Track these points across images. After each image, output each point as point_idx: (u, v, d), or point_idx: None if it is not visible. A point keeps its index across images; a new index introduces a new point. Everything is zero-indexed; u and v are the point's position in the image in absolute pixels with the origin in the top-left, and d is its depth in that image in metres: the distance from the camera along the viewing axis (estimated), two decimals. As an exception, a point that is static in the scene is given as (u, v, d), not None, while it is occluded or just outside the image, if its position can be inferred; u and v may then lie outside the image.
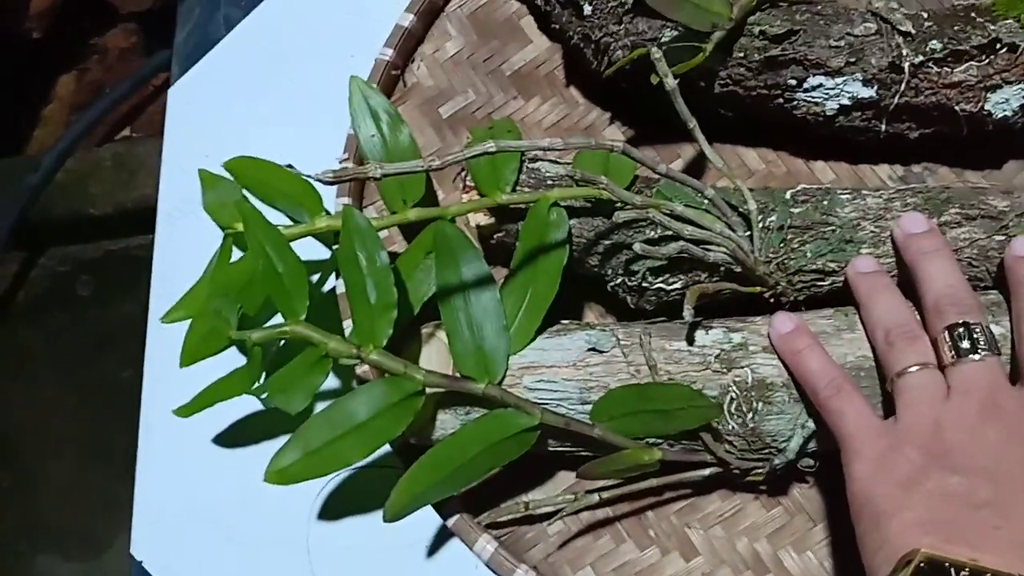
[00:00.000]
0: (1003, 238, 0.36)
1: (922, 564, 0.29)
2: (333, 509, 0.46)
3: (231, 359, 0.45)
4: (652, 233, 0.38)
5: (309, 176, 0.32)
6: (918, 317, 0.35)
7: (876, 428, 0.33)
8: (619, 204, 0.38)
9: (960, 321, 0.33)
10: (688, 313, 0.34)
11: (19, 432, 1.17)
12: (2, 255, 1.21)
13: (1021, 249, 0.35)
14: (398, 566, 0.44)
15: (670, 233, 0.37)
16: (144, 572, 0.48)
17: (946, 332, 0.33)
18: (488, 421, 0.38)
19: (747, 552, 0.40)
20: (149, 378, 0.52)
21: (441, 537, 0.44)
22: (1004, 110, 0.39)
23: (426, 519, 0.44)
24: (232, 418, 0.49)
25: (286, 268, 0.42)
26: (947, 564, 0.29)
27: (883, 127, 0.41)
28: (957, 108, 0.39)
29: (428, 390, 0.38)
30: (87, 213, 1.22)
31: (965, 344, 0.33)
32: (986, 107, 0.39)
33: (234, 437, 0.49)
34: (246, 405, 0.49)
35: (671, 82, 0.35)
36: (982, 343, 0.33)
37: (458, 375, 0.39)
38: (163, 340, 0.53)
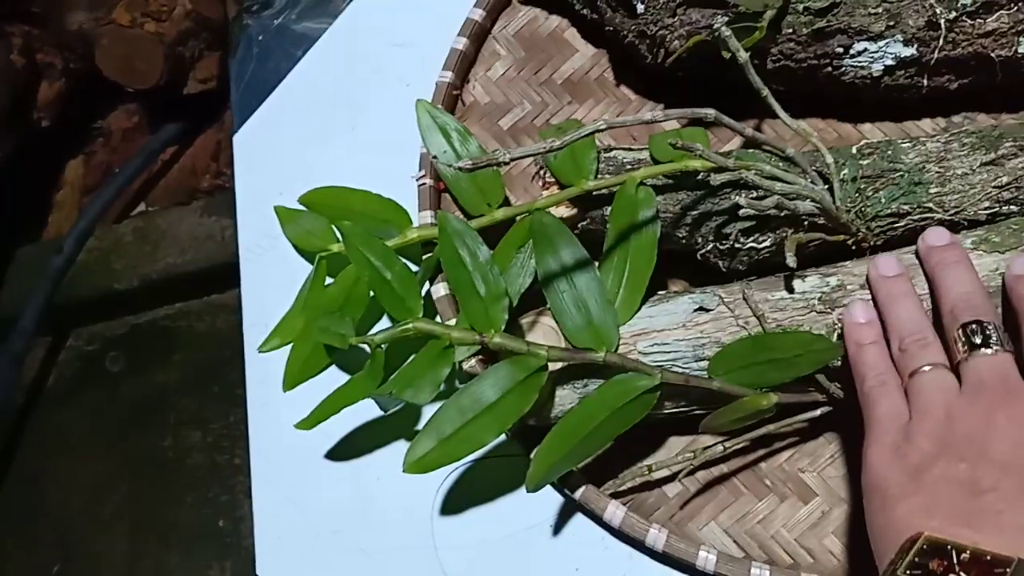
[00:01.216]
0: (1057, 162, 0.40)
1: (925, 547, 0.30)
2: (454, 504, 0.48)
3: (325, 382, 0.48)
4: (738, 197, 0.41)
5: (448, 164, 0.34)
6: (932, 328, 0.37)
7: (900, 422, 0.34)
8: (705, 174, 0.41)
9: (973, 319, 0.34)
10: (791, 260, 0.37)
11: (68, 513, 1.17)
12: (32, 341, 1.23)
13: (1020, 269, 0.36)
14: (525, 549, 0.46)
15: (758, 195, 0.40)
16: (273, 593, 0.50)
17: (959, 330, 0.34)
18: (610, 387, 0.41)
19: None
20: (253, 407, 0.54)
21: (563, 515, 0.46)
22: (1037, 50, 0.43)
23: (547, 501, 0.46)
24: (339, 435, 0.51)
25: (394, 274, 0.45)
26: (948, 547, 0.29)
27: (925, 82, 0.45)
28: (993, 55, 0.43)
29: (550, 366, 0.41)
30: (112, 289, 1.24)
31: (977, 339, 0.34)
32: (1019, 51, 0.43)
33: (344, 452, 0.51)
34: (352, 421, 0.51)
35: (743, 55, 0.39)
36: (994, 339, 0.34)
37: (576, 348, 0.41)
38: (259, 371, 0.55)
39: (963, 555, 0.29)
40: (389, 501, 0.49)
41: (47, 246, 1.27)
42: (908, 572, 0.30)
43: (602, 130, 0.36)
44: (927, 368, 0.35)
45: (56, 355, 1.29)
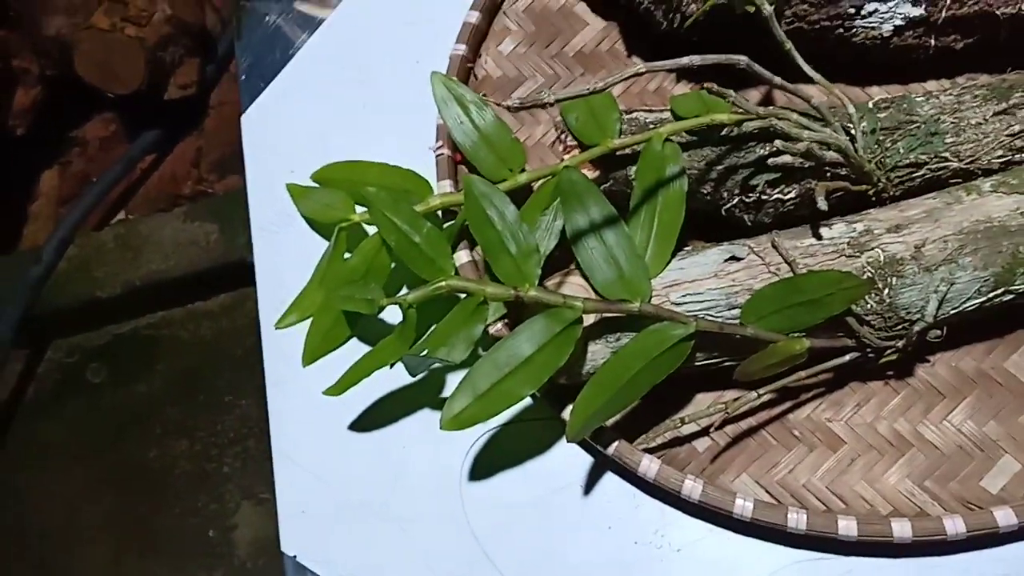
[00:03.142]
0: (1067, 110, 0.42)
1: None
2: (482, 469, 0.48)
3: (341, 359, 0.47)
4: (763, 151, 0.42)
5: (500, 103, 0.34)
6: None
7: None
8: (730, 130, 0.42)
9: None
10: (823, 203, 0.38)
11: (50, 527, 1.14)
12: (10, 352, 1.20)
13: None
14: (555, 510, 0.46)
15: (782, 146, 0.41)
16: (298, 567, 0.49)
17: None
18: (645, 337, 0.41)
19: (889, 433, 0.43)
20: (271, 384, 0.53)
21: (593, 475, 0.46)
22: (1040, 7, 0.44)
23: (577, 461, 0.47)
24: (360, 407, 0.51)
25: (423, 236, 0.45)
26: None
27: (933, 42, 0.46)
28: (998, 12, 0.45)
29: (584, 320, 0.41)
30: (93, 298, 1.22)
31: None
32: (1023, 8, 0.44)
33: (368, 423, 0.51)
34: (373, 393, 0.51)
35: (768, 8, 0.40)
36: None
37: (611, 300, 0.42)
38: (274, 348, 0.55)
39: None
40: (416, 469, 0.49)
41: (24, 256, 1.25)
42: None
43: (641, 73, 0.37)
44: None
45: (35, 367, 1.26)
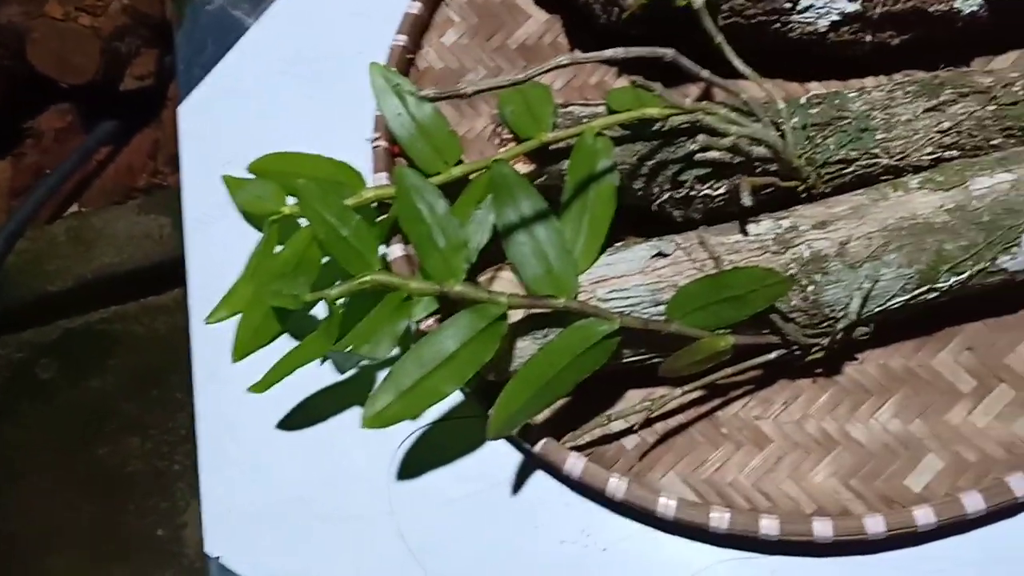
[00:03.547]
0: (994, 107, 0.42)
1: None
2: (412, 468, 0.47)
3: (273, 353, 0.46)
4: (693, 146, 0.42)
5: (415, 93, 0.34)
6: None
7: None
8: (661, 125, 0.42)
9: None
10: (747, 199, 0.38)
11: (13, 532, 1.11)
12: (-45, 349, 1.17)
13: None
14: (483, 509, 0.46)
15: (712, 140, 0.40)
16: (223, 569, 0.48)
17: None
18: (571, 333, 0.40)
19: (816, 431, 0.43)
20: (200, 380, 0.52)
21: (522, 473, 0.46)
22: (971, 5, 0.44)
23: (506, 459, 0.46)
24: (289, 405, 0.50)
25: (351, 230, 0.44)
26: None
27: (869, 38, 0.46)
28: (930, 9, 0.45)
29: (511, 316, 0.40)
30: (44, 292, 1.20)
31: None
32: (954, 6, 0.45)
33: (296, 421, 0.50)
34: (303, 390, 0.50)
35: (698, 2, 0.40)
36: None
37: (536, 295, 0.41)
38: (205, 343, 0.54)
39: None
40: (345, 467, 0.48)
41: (-27, 249, 1.22)
42: None
43: (564, 65, 0.36)
44: None
45: (-17, 364, 1.23)
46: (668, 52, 0.37)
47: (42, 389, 1.21)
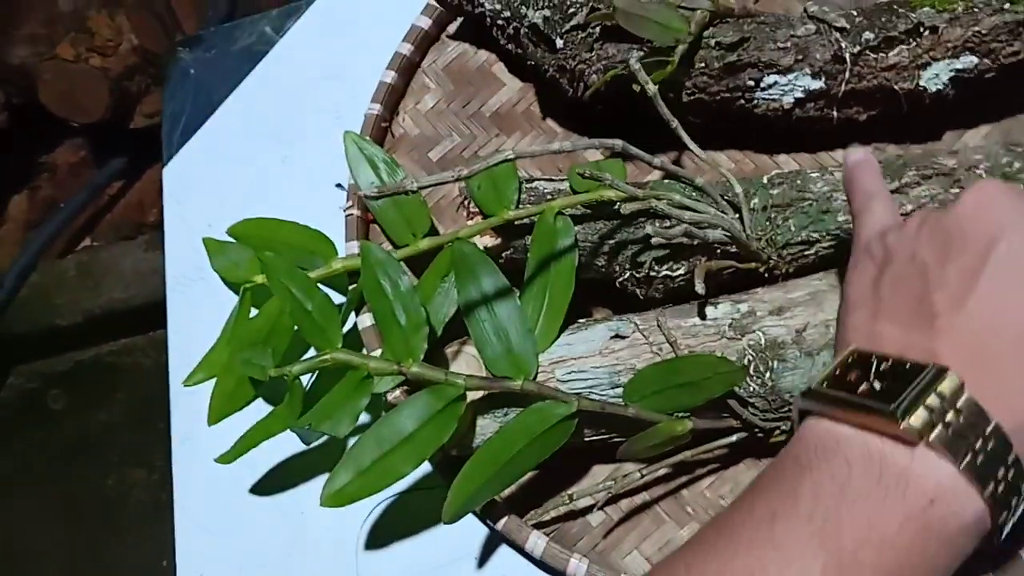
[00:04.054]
0: (957, 191, 0.41)
1: (850, 359, 0.29)
2: (380, 538, 0.47)
3: (253, 414, 0.47)
4: (652, 228, 0.42)
5: (362, 193, 0.34)
6: None
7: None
8: (619, 204, 0.42)
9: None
10: (700, 287, 0.38)
11: (8, 552, 1.13)
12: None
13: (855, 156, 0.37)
14: (451, 582, 0.46)
15: (668, 224, 0.41)
16: (195, 631, 0.48)
17: None
18: (528, 415, 0.41)
19: (780, 511, 0.43)
20: (176, 440, 0.53)
21: (489, 547, 0.46)
22: (936, 84, 0.44)
23: (473, 533, 0.46)
24: (264, 468, 0.51)
25: (315, 305, 0.45)
26: (872, 357, 0.29)
27: (835, 114, 0.46)
28: (896, 87, 0.45)
29: (469, 396, 0.41)
30: (54, 325, 1.22)
31: None
32: (920, 83, 0.44)
33: (270, 486, 0.50)
34: (278, 453, 0.51)
35: (652, 87, 0.40)
36: None
37: (494, 376, 0.41)
38: (185, 404, 0.54)
39: (883, 365, 0.28)
40: (314, 535, 0.49)
41: (-14, 282, 1.24)
42: (825, 384, 0.29)
43: (511, 159, 0.36)
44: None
45: (-5, 393, 1.25)
46: (617, 143, 0.37)
47: (51, 418, 1.24)
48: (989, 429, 0.26)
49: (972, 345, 0.28)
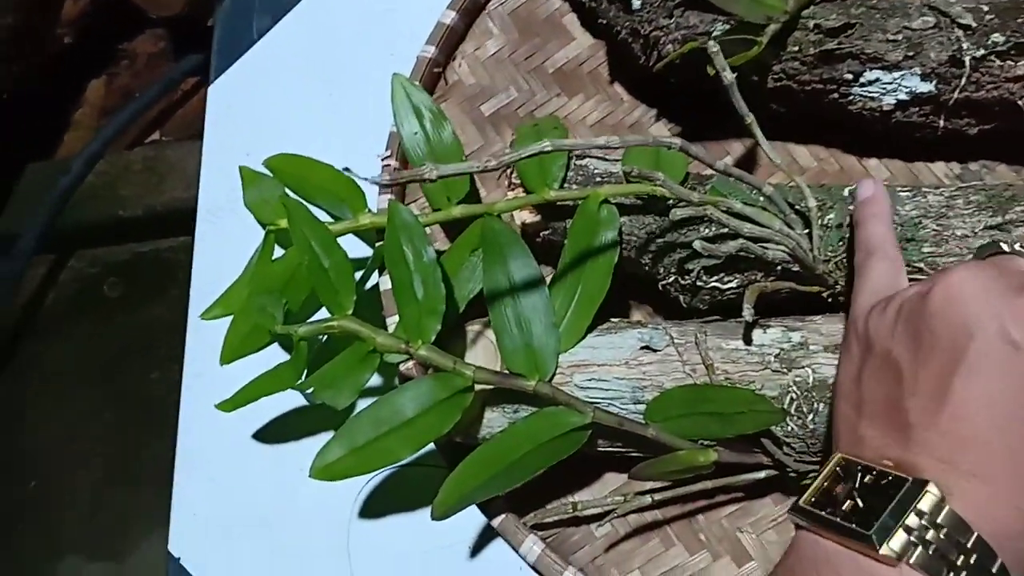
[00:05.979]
0: (1071, 237, 0.35)
1: (838, 469, 0.29)
2: (374, 508, 0.45)
3: (271, 356, 0.45)
4: (707, 231, 0.37)
5: (364, 178, 0.31)
6: None
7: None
8: (673, 201, 0.37)
9: None
10: (748, 313, 0.33)
11: (46, 443, 1.17)
12: (32, 258, 1.22)
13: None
14: (441, 568, 0.44)
15: (726, 231, 0.36)
16: (181, 569, 0.48)
17: None
18: (538, 419, 0.37)
19: (801, 557, 0.39)
20: (189, 375, 0.52)
21: (485, 537, 0.43)
22: (1070, 103, 0.38)
23: (470, 519, 0.43)
24: (271, 415, 0.49)
25: (332, 263, 0.42)
26: (858, 467, 0.28)
27: (941, 123, 0.40)
28: (1021, 103, 0.38)
29: (476, 387, 0.38)
30: (117, 216, 1.23)
31: None
32: (1051, 102, 0.38)
33: (273, 435, 0.49)
34: (286, 402, 0.49)
35: (729, 76, 0.35)
36: None
37: (507, 372, 0.38)
38: (202, 338, 0.53)
39: (867, 477, 0.28)
40: (308, 494, 0.47)
41: (56, 165, 1.26)
42: (813, 500, 0.29)
43: (547, 152, 0.32)
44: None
45: (57, 275, 1.28)
46: (676, 142, 0.33)
47: (106, 305, 1.26)
48: (972, 541, 0.26)
49: (949, 456, 0.27)
